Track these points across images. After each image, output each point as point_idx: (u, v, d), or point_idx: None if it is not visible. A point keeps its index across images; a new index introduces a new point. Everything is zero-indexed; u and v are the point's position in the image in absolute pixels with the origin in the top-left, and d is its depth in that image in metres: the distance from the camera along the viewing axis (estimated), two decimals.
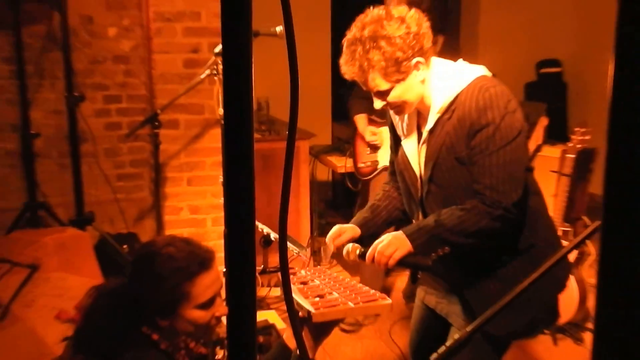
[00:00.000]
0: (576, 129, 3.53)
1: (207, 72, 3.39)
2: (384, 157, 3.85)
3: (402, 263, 2.03)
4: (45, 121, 4.34)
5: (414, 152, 2.18)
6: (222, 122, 3.24)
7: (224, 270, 2.77)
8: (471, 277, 2.15)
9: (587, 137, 3.47)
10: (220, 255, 4.04)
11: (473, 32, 6.58)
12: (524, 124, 2.01)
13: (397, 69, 1.95)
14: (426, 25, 2.00)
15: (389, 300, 1.73)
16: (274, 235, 3.18)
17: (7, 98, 4.27)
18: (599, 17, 6.17)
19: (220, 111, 3.56)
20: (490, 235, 2.00)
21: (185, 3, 3.93)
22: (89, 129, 4.29)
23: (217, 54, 3.39)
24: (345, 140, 5.19)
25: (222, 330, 3.34)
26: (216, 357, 2.94)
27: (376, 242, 2.05)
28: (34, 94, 4.29)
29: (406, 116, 2.19)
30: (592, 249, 3.63)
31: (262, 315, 3.25)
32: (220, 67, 3.19)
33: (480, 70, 2.06)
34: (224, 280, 1.88)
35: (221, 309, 1.79)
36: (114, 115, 4.52)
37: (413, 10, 1.99)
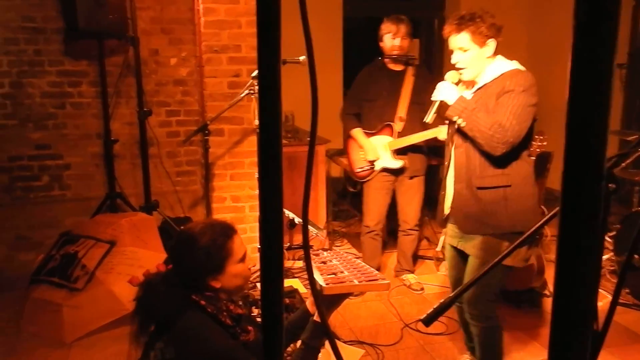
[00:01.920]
0: (535, 137, 3.48)
1: (246, 91, 3.39)
2: (379, 160, 3.69)
3: None
4: (122, 130, 4.37)
5: None
6: (258, 130, 3.24)
7: (259, 247, 2.76)
8: (470, 222, 2.43)
9: (544, 143, 3.43)
10: (255, 235, 4.07)
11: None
12: (535, 102, 2.27)
13: (479, 38, 2.27)
14: (501, 29, 2.32)
15: (387, 281, 1.73)
16: (297, 219, 3.18)
17: (93, 113, 4.31)
18: (548, 49, 6.08)
19: (256, 122, 3.56)
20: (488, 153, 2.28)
21: (229, 38, 3.93)
22: (155, 136, 4.31)
23: (253, 78, 3.39)
24: None
25: (256, 293, 3.35)
26: (252, 314, 2.94)
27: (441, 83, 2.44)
28: (114, 109, 4.32)
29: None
30: (548, 231, 3.59)
31: (287, 282, 3.24)
32: (256, 87, 3.19)
33: (515, 65, 2.33)
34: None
35: (251, 261, 1.81)
36: (174, 125, 4.54)
37: (497, 18, 2.32)
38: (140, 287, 1.70)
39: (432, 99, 2.46)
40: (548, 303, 3.59)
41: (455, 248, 2.57)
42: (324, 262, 1.84)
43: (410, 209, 3.83)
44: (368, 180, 3.80)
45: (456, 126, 2.39)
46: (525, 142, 2.33)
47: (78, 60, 4.23)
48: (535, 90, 2.27)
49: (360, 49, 7.84)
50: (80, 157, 4.34)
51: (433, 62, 6.34)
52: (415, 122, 3.50)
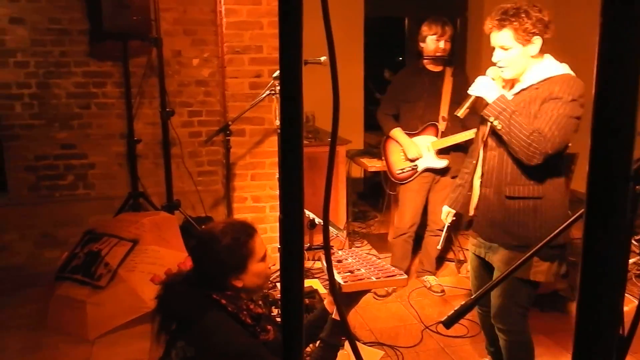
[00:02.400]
0: None
1: (267, 92, 3.40)
2: (422, 160, 3.64)
3: None
4: (145, 130, 4.43)
5: None
6: (279, 131, 3.25)
7: (279, 247, 2.77)
8: (495, 229, 2.32)
9: (569, 144, 3.39)
10: (275, 235, 4.09)
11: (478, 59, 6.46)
12: (580, 114, 2.09)
13: (523, 35, 2.10)
14: (551, 23, 2.15)
15: (405, 276, 1.72)
16: (318, 220, 3.18)
17: (117, 113, 4.37)
18: (573, 49, 5.98)
19: (277, 122, 3.57)
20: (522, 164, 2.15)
21: (250, 39, 3.94)
22: (177, 136, 4.35)
23: (275, 78, 3.40)
24: (374, 146, 5.15)
25: (276, 293, 3.36)
26: (272, 314, 2.95)
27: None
28: (137, 110, 4.37)
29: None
30: (573, 233, 3.53)
31: (307, 283, 3.24)
32: (278, 88, 3.20)
33: (566, 69, 2.18)
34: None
35: (271, 260, 1.83)
36: (196, 125, 4.58)
37: (546, 12, 2.15)
38: (161, 286, 1.72)
39: (469, 92, 2.33)
40: (573, 306, 3.53)
41: (479, 257, 2.47)
42: (340, 261, 1.84)
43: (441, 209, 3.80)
44: (408, 182, 3.75)
45: (489, 126, 2.26)
46: (561, 154, 2.20)
47: (103, 61, 4.30)
48: (584, 101, 2.08)
49: (381, 49, 7.83)
50: (104, 156, 4.40)
51: (455, 61, 6.29)
52: (456, 122, 3.49)
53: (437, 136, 3.63)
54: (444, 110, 3.61)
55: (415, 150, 3.63)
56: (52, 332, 3.23)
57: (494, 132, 2.25)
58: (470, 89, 2.33)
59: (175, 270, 3.14)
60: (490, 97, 2.20)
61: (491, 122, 2.20)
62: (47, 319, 3.30)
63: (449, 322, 1.02)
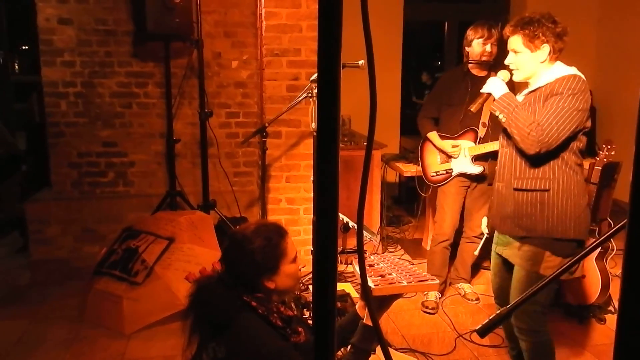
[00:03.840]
0: (603, 146, 3.35)
1: (304, 95, 3.41)
2: (457, 165, 3.62)
3: None
4: (184, 130, 4.51)
5: None
6: (315, 133, 3.26)
7: (312, 249, 2.77)
8: (506, 222, 2.41)
9: (612, 153, 3.29)
10: (309, 237, 4.10)
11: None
12: (583, 107, 2.23)
13: (532, 42, 2.28)
14: (565, 35, 2.28)
15: (436, 281, 1.71)
16: (352, 224, 3.17)
17: (157, 113, 4.47)
18: (619, 54, 5.80)
19: (313, 125, 3.58)
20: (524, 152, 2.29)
21: (289, 42, 3.97)
22: (215, 137, 4.42)
23: (312, 81, 3.40)
24: (410, 150, 5.11)
25: (308, 295, 3.36)
26: (304, 316, 2.96)
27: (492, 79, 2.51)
28: (177, 110, 4.46)
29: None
30: (614, 244, 3.43)
31: (340, 286, 3.23)
32: (315, 91, 3.21)
33: (573, 70, 2.31)
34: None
35: (301, 262, 1.86)
36: (233, 127, 4.64)
37: (561, 25, 2.29)
38: (193, 285, 1.73)
39: (481, 90, 2.59)
40: (612, 320, 3.42)
41: (499, 256, 2.54)
42: (371, 265, 1.83)
43: (478, 216, 3.70)
44: (442, 185, 3.70)
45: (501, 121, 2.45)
46: (569, 148, 2.30)
47: (145, 62, 4.40)
48: (587, 97, 2.25)
49: (420, 53, 7.76)
50: (144, 155, 4.51)
51: (499, 65, 6.20)
52: (497, 129, 3.43)
53: (475, 142, 3.57)
54: (485, 117, 3.55)
55: (454, 147, 3.58)
56: (91, 325, 3.32)
57: (504, 130, 2.43)
58: (483, 87, 2.56)
59: (209, 269, 3.19)
60: (497, 94, 2.42)
61: (497, 116, 2.42)
62: (86, 313, 3.39)
63: (483, 331, 1.00)
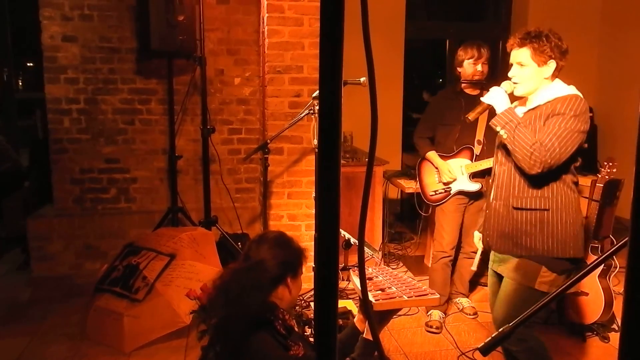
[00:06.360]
0: (605, 163, 3.35)
1: (306, 111, 3.42)
2: (456, 183, 3.62)
3: None
4: (186, 147, 4.53)
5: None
6: (317, 150, 3.26)
7: (314, 266, 2.76)
8: (504, 241, 2.40)
9: (613, 170, 3.29)
10: (310, 254, 4.08)
11: None
12: (584, 129, 2.22)
13: (540, 56, 2.26)
14: (568, 54, 2.28)
15: (437, 295, 1.70)
16: (353, 240, 3.16)
17: (160, 129, 4.49)
18: (620, 72, 5.83)
19: (315, 142, 3.58)
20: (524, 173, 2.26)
21: (291, 59, 4.00)
22: (217, 153, 4.43)
23: (314, 98, 3.42)
24: (412, 167, 5.11)
25: (310, 312, 3.34)
26: (305, 334, 2.93)
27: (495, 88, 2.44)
28: (179, 126, 4.49)
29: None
30: (617, 262, 3.41)
31: (341, 303, 3.21)
32: (317, 108, 3.22)
33: (572, 90, 2.30)
34: None
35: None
36: (235, 143, 4.66)
37: (565, 42, 2.29)
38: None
39: (482, 99, 2.48)
40: (616, 338, 3.38)
41: (496, 273, 2.53)
42: (370, 279, 1.83)
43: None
44: (441, 204, 3.72)
45: (498, 138, 2.40)
46: (568, 168, 2.30)
47: (148, 79, 4.44)
48: (587, 118, 2.23)
49: (422, 71, 7.81)
50: (147, 171, 4.52)
51: (498, 84, 6.22)
52: (492, 146, 3.44)
53: (471, 159, 3.60)
54: (479, 134, 3.58)
55: (449, 175, 3.62)
56: (92, 343, 3.30)
57: (503, 146, 2.39)
58: (484, 97, 2.48)
59: (210, 285, 3.17)
60: (499, 108, 2.37)
61: (498, 132, 2.35)
62: (86, 330, 3.37)
63: (486, 349, 0.99)
